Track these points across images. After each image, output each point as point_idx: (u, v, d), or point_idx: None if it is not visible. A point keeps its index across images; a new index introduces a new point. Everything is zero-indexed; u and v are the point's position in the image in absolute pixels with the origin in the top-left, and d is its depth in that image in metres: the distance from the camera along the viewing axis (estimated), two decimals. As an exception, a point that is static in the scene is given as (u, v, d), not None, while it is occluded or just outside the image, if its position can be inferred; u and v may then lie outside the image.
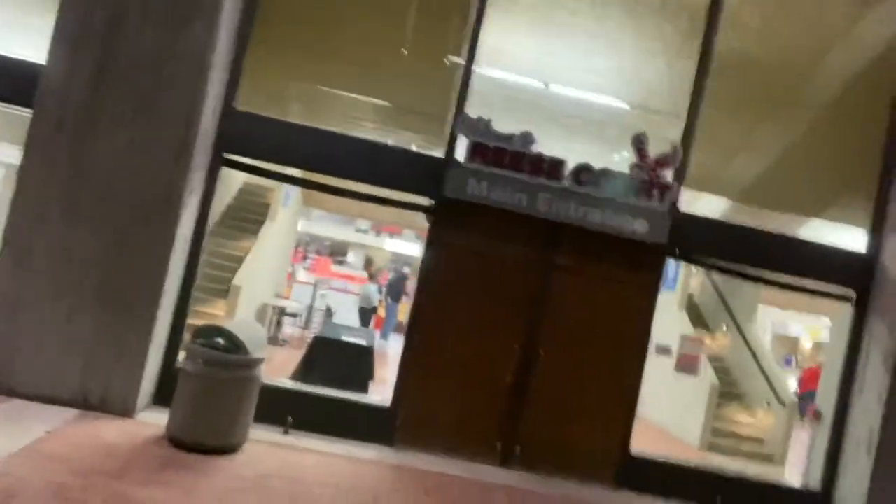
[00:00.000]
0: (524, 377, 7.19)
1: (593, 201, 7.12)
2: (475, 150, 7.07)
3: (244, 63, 6.93)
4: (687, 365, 10.50)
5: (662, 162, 7.26)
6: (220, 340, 5.76)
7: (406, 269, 18.78)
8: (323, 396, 7.21)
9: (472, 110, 7.17)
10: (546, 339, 7.20)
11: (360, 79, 7.27)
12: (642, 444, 7.41)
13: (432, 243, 7.20)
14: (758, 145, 7.76)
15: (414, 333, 7.17)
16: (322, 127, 7.07)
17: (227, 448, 5.81)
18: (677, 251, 7.40)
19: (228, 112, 6.88)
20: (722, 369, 12.52)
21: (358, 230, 22.10)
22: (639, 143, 7.26)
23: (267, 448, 6.20)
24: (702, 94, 7.41)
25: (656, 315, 7.36)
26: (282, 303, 13.45)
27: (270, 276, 13.24)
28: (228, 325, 6.04)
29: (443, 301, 7.15)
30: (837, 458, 7.39)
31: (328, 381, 7.93)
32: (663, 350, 10.84)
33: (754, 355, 12.16)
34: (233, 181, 12.54)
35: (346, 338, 9.07)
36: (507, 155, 7.09)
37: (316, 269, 19.62)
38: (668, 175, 7.27)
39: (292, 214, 14.16)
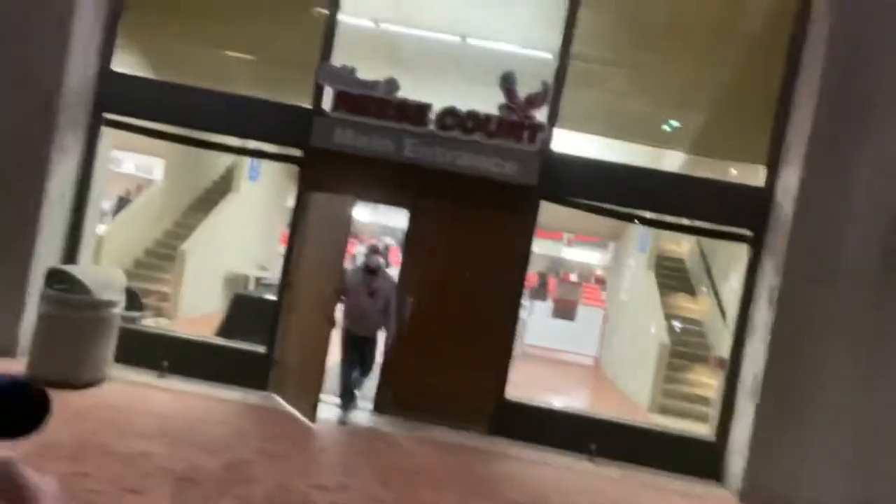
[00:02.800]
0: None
1: (461, 145, 7.03)
2: (340, 99, 7.14)
3: (119, 26, 7.29)
4: (563, 310, 10.10)
5: (532, 101, 7.07)
6: (62, 284, 6.13)
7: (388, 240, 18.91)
8: (204, 343, 7.51)
9: (344, 60, 7.23)
10: (416, 285, 7.19)
11: (231, 35, 7.48)
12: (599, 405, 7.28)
13: (303, 194, 7.33)
14: (642, 81, 7.41)
15: (284, 283, 7.34)
16: (196, 84, 7.34)
17: (77, 384, 6.19)
18: (552, 193, 7.20)
19: (106, 73, 7.26)
20: (696, 332, 12.02)
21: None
22: (507, 83, 7.10)
23: (126, 386, 6.56)
24: (574, 28, 7.14)
25: (624, 274, 7.22)
26: (260, 273, 13.94)
27: (248, 247, 13.71)
28: (78, 270, 6.41)
29: (313, 249, 7.27)
30: (732, 406, 6.99)
31: (247, 335, 8.21)
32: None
33: (723, 316, 11.57)
34: (218, 162, 13.11)
35: (266, 295, 9.34)
36: (371, 102, 7.12)
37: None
38: (539, 115, 7.08)
39: (272, 190, 14.57)
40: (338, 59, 7.25)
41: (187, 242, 10.94)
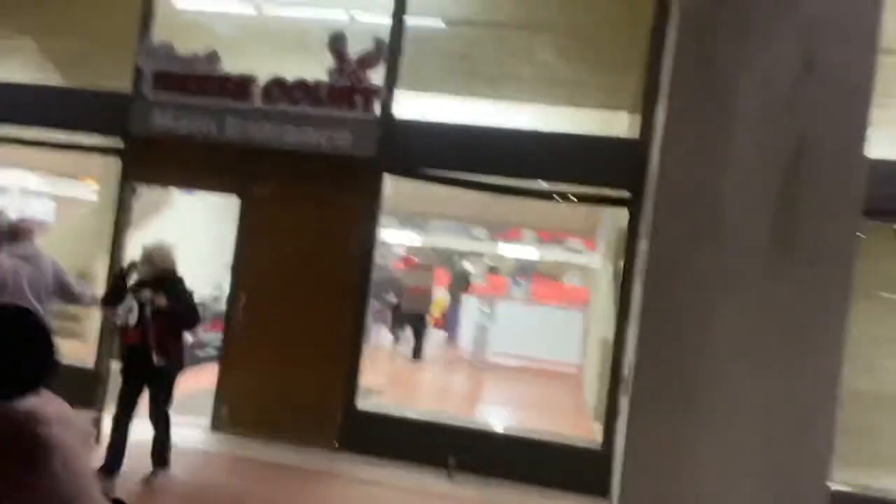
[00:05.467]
0: (226, 326, 6.32)
1: (288, 118, 6.15)
2: (158, 79, 6.40)
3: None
4: (415, 300, 8.80)
5: (365, 62, 6.14)
6: None
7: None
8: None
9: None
10: (247, 281, 6.29)
11: (44, 24, 6.88)
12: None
13: (123, 189, 6.58)
14: (493, 33, 6.34)
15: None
16: (6, 79, 6.75)
17: None
18: (398, 166, 6.19)
19: None
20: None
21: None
22: (336, 45, 6.20)
23: None
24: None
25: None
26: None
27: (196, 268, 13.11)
28: None
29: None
30: (616, 406, 5.73)
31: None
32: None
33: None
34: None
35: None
36: (191, 79, 6.35)
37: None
38: (374, 77, 6.13)
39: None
40: (157, 38, 6.54)
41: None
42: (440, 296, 15.32)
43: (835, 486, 5.22)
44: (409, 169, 6.19)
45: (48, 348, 0.82)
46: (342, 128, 6.06)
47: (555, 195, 6.05)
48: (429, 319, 12.97)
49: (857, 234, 5.08)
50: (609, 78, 6.08)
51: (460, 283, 14.86)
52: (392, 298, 9.77)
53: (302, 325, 6.15)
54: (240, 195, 6.39)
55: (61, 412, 0.87)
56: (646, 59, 5.76)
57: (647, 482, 5.16)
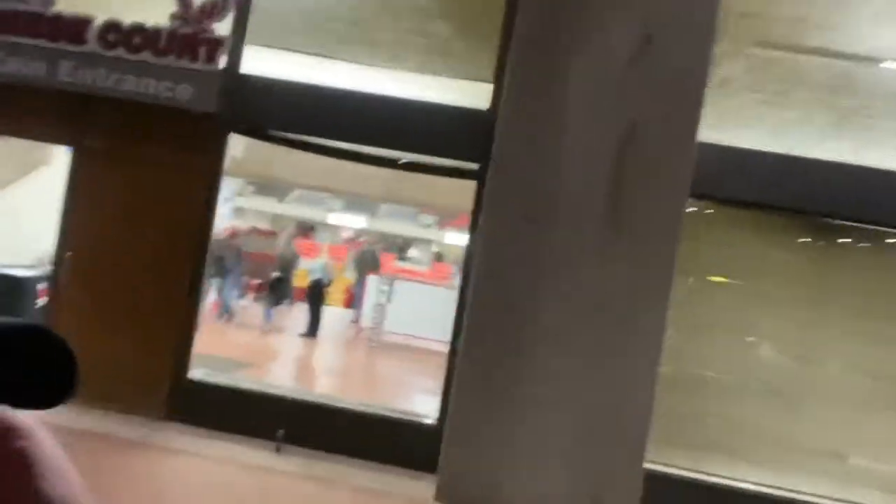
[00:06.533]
0: (51, 289, 5.91)
1: (126, 65, 5.74)
2: (-15, 16, 5.88)
3: None
4: (259, 271, 8.60)
5: (209, 10, 5.77)
6: None
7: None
8: None
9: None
10: (78, 239, 5.88)
11: None
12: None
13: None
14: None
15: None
16: None
17: None
18: (245, 125, 5.87)
19: None
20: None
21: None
22: (181, -10, 5.81)
23: None
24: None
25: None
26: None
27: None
28: None
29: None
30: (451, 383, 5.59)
31: None
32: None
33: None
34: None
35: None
36: (21, 17, 5.85)
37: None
38: (219, 28, 5.77)
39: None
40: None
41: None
42: (344, 274, 15.04)
43: (652, 467, 5.23)
44: (254, 129, 5.87)
45: (71, 367, 0.82)
46: (182, 79, 5.68)
47: (402, 164, 5.84)
48: (326, 296, 12.69)
49: (683, 215, 5.06)
50: (472, 46, 5.88)
51: (367, 264, 14.59)
52: (230, 263, 9.25)
53: (132, 290, 5.77)
54: (72, 146, 5.95)
55: (36, 423, 0.86)
56: (501, 31, 5.59)
57: (467, 459, 5.05)
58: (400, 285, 12.39)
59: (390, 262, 17.31)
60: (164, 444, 5.44)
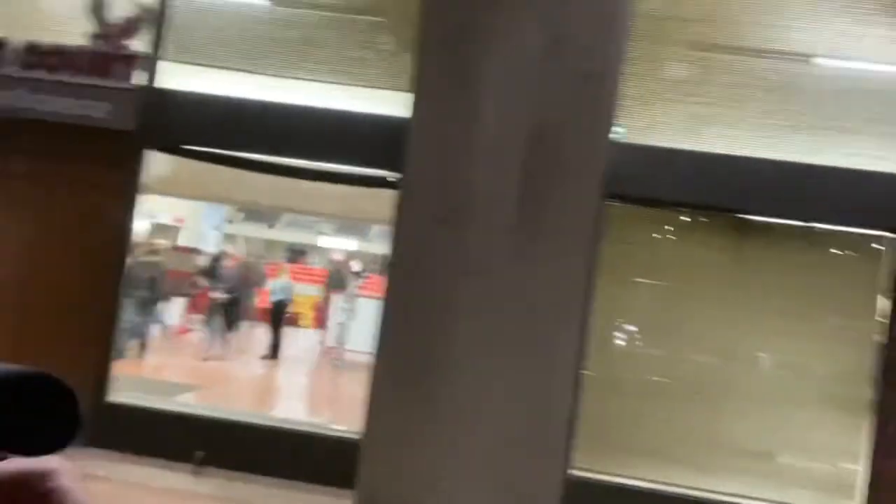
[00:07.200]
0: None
1: (43, 86, 5.70)
2: None
3: None
4: (176, 285, 8.52)
5: (126, 29, 5.76)
6: None
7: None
8: None
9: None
10: (-6, 262, 5.80)
11: None
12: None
13: None
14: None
15: None
16: None
17: None
18: (162, 142, 5.82)
19: None
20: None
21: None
22: (98, 10, 5.80)
23: None
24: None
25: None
26: None
27: None
28: None
29: None
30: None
31: None
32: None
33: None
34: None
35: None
36: (-64, 41, 5.83)
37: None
38: (135, 45, 5.76)
39: None
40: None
41: None
42: (310, 293, 14.97)
43: (575, 473, 5.10)
44: (172, 144, 5.83)
45: (74, 412, 0.74)
46: (101, 98, 5.65)
47: (324, 175, 5.79)
48: (290, 316, 12.59)
49: (601, 216, 5.00)
50: (393, 57, 5.86)
51: (336, 283, 14.54)
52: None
53: (48, 311, 5.68)
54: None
55: (67, 464, 0.78)
56: (417, 37, 5.56)
57: (385, 474, 4.91)
58: (362, 303, 12.32)
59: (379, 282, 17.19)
60: (79, 470, 5.30)
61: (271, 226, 22.75)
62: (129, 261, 5.86)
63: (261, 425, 5.82)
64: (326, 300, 13.97)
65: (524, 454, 4.97)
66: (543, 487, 4.93)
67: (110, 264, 5.72)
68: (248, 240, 22.04)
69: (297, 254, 23.59)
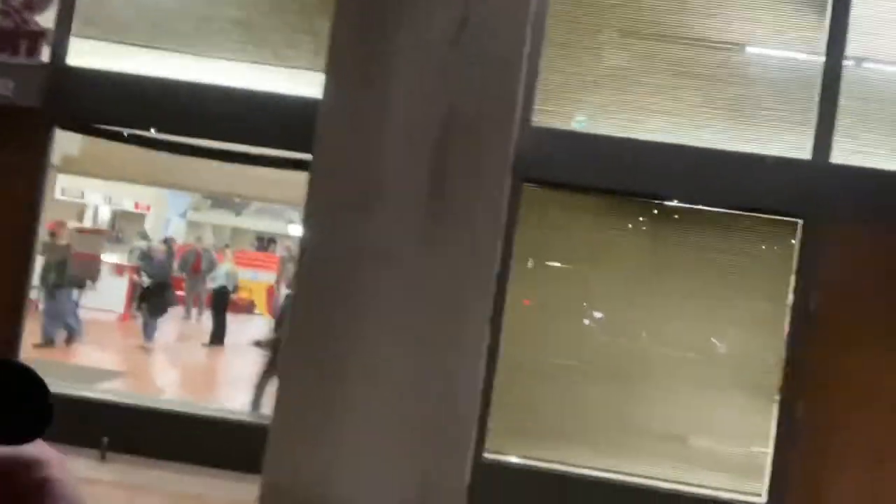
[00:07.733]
0: None
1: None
2: None
3: None
4: (83, 269, 8.43)
5: (30, 3, 5.58)
6: None
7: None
8: None
9: None
10: None
11: None
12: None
13: None
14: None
15: None
16: None
17: None
18: (70, 120, 5.66)
19: None
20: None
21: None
22: (1, -17, 5.61)
23: None
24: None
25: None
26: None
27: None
28: None
29: None
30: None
31: None
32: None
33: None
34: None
35: None
36: None
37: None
38: (41, 20, 5.58)
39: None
40: None
41: None
42: (265, 280, 14.84)
43: (490, 457, 5.10)
44: (82, 123, 5.67)
45: (44, 400, 0.86)
46: (4, 74, 5.47)
47: (238, 157, 5.68)
48: (238, 302, 12.45)
49: (512, 201, 4.97)
50: (314, 36, 5.75)
51: (289, 270, 14.42)
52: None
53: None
54: None
55: (57, 455, 0.94)
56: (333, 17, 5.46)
57: (290, 457, 4.85)
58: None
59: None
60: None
61: (238, 214, 22.42)
62: (37, 244, 5.70)
63: (171, 411, 5.73)
64: (278, 287, 13.88)
65: (432, 439, 4.95)
66: (451, 472, 4.91)
67: (18, 246, 5.56)
68: (214, 227, 21.68)
69: (265, 242, 23.27)
